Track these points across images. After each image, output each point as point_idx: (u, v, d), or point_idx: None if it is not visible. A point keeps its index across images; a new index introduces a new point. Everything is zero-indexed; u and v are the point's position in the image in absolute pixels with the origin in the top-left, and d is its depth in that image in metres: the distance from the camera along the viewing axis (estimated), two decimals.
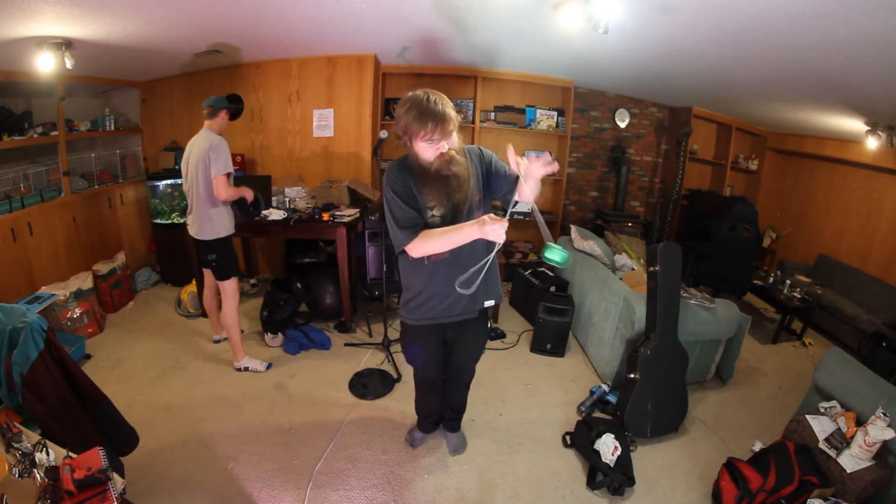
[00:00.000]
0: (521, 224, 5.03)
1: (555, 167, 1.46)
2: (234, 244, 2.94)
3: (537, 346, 3.38)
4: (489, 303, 1.91)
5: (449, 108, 1.56)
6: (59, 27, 2.55)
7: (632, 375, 2.49)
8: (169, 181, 4.06)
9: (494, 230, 1.43)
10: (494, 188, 1.75)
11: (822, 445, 2.03)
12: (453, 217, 1.67)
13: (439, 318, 1.85)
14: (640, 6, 2.37)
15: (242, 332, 3.33)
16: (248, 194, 2.84)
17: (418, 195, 1.66)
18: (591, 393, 2.80)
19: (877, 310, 3.73)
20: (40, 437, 1.50)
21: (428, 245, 1.64)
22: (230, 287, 2.84)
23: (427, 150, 1.59)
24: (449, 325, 1.88)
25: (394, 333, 3.23)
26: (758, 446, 2.39)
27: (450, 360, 2.06)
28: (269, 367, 2.96)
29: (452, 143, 1.62)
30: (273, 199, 3.58)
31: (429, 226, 1.67)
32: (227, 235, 2.79)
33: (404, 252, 1.72)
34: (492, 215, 1.49)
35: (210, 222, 2.72)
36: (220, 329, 3.21)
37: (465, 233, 1.54)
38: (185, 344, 3.22)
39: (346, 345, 3.31)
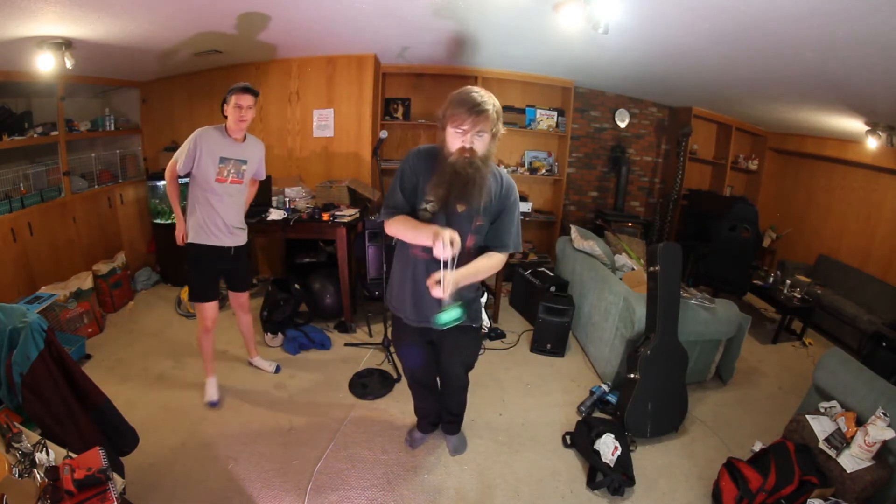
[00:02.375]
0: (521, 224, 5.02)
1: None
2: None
3: (537, 346, 3.38)
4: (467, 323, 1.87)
5: (491, 106, 1.50)
6: (59, 27, 2.54)
7: (632, 375, 2.49)
8: None
9: (436, 246, 1.43)
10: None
11: (822, 445, 2.03)
12: (446, 221, 1.62)
13: (419, 322, 1.86)
14: (640, 6, 2.37)
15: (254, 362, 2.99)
16: (180, 225, 2.47)
17: (423, 183, 1.62)
18: (591, 393, 2.80)
19: (877, 310, 3.73)
20: (40, 437, 1.50)
21: (395, 228, 1.66)
22: (196, 310, 2.55)
23: (453, 138, 1.53)
24: (431, 328, 1.87)
25: None
26: (758, 446, 2.39)
27: (438, 362, 2.05)
28: (212, 404, 2.58)
29: (480, 147, 1.54)
30: (273, 199, 3.58)
31: (414, 213, 1.66)
32: (189, 242, 2.42)
33: (396, 243, 1.75)
34: (452, 233, 1.45)
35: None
36: (254, 352, 2.96)
37: (422, 234, 1.53)
38: (185, 344, 3.21)
39: (346, 345, 3.31)
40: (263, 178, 2.68)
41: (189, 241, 2.42)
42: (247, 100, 2.29)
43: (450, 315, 1.50)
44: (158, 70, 3.87)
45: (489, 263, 1.69)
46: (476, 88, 1.54)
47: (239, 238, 2.53)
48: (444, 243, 1.42)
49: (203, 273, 2.47)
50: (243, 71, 4.05)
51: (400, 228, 1.64)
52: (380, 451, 2.30)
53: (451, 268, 1.48)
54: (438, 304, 1.78)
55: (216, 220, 2.39)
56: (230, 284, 2.69)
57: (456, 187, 1.55)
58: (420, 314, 1.83)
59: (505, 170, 1.80)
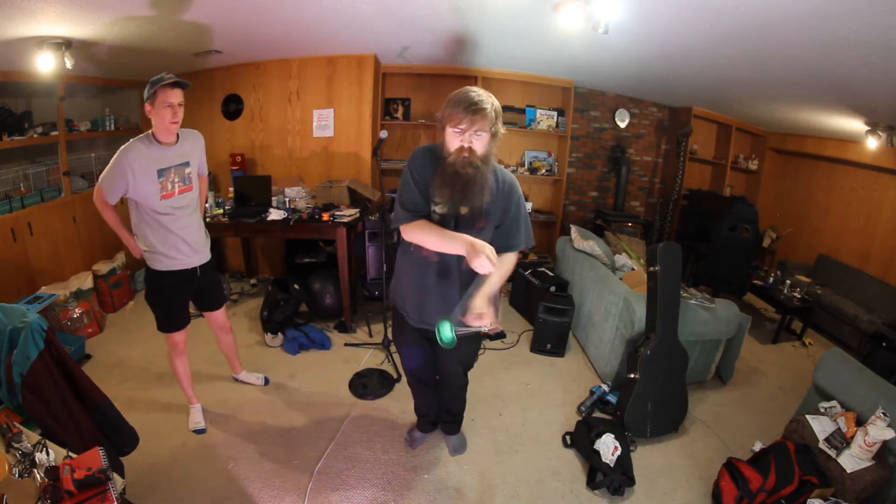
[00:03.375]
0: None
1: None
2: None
3: (537, 346, 3.38)
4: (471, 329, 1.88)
5: (489, 105, 1.49)
6: (59, 27, 2.54)
7: (632, 375, 2.49)
8: None
9: (480, 263, 1.38)
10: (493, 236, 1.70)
11: (822, 445, 2.03)
12: (454, 224, 1.63)
13: (419, 322, 1.86)
14: (640, 6, 2.37)
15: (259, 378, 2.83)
16: (132, 247, 2.18)
17: (430, 184, 1.62)
18: (591, 393, 2.80)
19: (877, 310, 3.73)
20: (40, 437, 1.50)
21: (419, 234, 1.61)
22: (166, 338, 2.27)
23: (452, 138, 1.52)
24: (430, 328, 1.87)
25: None
26: (758, 446, 2.39)
27: (436, 361, 2.05)
28: (199, 432, 2.38)
29: (479, 146, 1.53)
30: (273, 199, 3.58)
31: (429, 217, 1.64)
32: (151, 269, 2.13)
33: (401, 240, 1.73)
34: (491, 248, 1.42)
35: None
36: (238, 367, 2.80)
37: (455, 244, 1.49)
38: None
39: (346, 345, 3.31)
40: (206, 173, 2.34)
41: (148, 267, 2.14)
42: (177, 96, 1.94)
43: (445, 330, 1.50)
44: (158, 70, 3.85)
45: (505, 270, 1.67)
46: (474, 88, 1.53)
47: (205, 254, 2.25)
48: (487, 258, 1.37)
49: (170, 301, 2.20)
50: (244, 71, 4.06)
51: (424, 234, 1.59)
52: (380, 451, 2.30)
53: (478, 285, 1.53)
54: (457, 315, 1.78)
55: (176, 243, 2.09)
56: (203, 306, 2.41)
57: (457, 188, 1.54)
58: (422, 315, 1.83)
59: (505, 168, 1.78)
